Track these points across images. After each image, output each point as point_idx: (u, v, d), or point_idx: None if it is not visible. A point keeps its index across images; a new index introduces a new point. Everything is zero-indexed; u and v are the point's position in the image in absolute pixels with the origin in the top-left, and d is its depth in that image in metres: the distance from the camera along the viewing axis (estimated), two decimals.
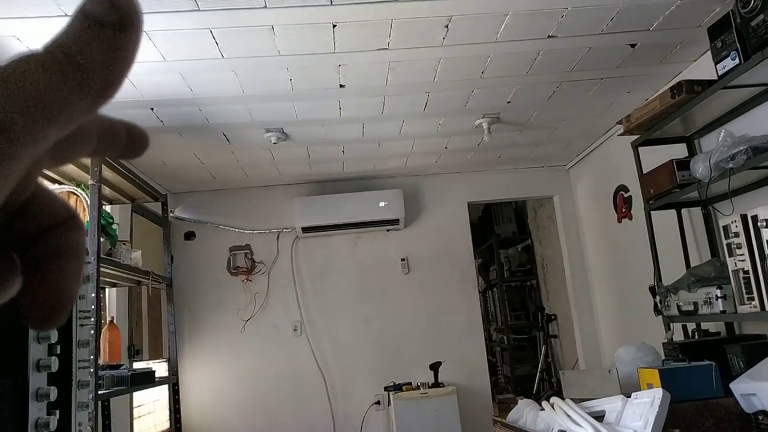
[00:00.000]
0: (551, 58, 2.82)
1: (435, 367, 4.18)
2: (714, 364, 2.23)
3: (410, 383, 4.17)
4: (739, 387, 2.07)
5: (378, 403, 4.40)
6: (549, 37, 2.59)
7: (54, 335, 1.02)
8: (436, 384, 4.15)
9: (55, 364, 1.01)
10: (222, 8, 2.15)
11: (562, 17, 2.43)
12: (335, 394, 4.44)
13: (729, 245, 2.31)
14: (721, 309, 2.39)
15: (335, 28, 2.36)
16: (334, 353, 4.50)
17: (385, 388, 4.24)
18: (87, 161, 2.53)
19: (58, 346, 1.04)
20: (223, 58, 2.53)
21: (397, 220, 4.52)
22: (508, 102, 3.35)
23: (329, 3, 2.17)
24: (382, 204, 4.48)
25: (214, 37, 2.35)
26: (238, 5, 2.14)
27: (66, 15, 2.09)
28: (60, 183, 2.79)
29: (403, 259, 4.65)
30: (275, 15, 2.22)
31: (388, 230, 4.67)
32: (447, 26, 2.42)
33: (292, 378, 4.44)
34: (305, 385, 4.42)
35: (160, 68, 2.57)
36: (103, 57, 0.23)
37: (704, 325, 2.93)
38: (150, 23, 2.20)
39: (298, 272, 4.60)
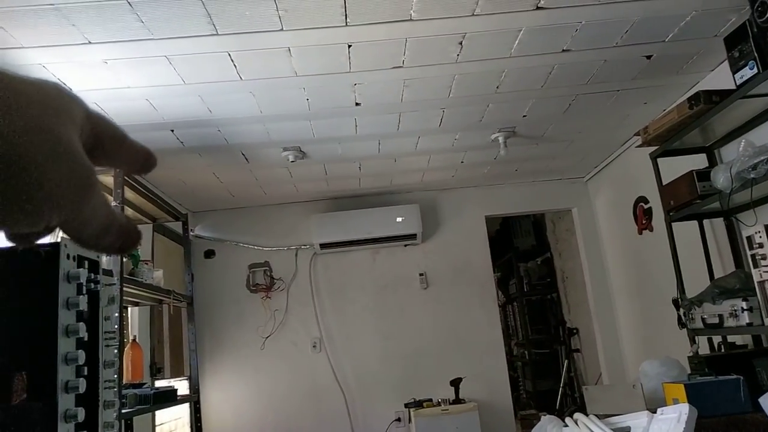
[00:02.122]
0: (566, 72, 2.82)
1: (456, 383, 4.14)
2: (741, 378, 2.18)
3: (431, 400, 4.14)
4: None
5: (399, 419, 4.37)
6: (563, 51, 2.60)
7: (81, 357, 1.04)
8: (457, 400, 4.11)
9: (83, 385, 1.03)
10: (240, 32, 2.20)
11: (576, 31, 2.44)
12: (356, 411, 4.42)
13: (753, 256, 2.27)
14: (748, 321, 2.35)
15: (350, 48, 2.39)
16: (354, 370, 4.49)
17: (406, 405, 4.21)
18: (110, 184, 2.59)
19: (85, 368, 1.07)
20: (241, 80, 2.58)
21: (415, 234, 4.52)
22: (524, 116, 3.35)
23: (344, 24, 2.21)
24: (399, 219, 4.49)
25: (232, 60, 2.40)
26: (256, 29, 2.19)
27: (90, 42, 2.16)
28: None
29: (421, 274, 4.65)
30: (291, 37, 2.27)
31: (405, 245, 4.67)
32: (461, 43, 2.44)
33: (313, 395, 4.43)
34: (325, 401, 4.42)
35: (180, 91, 2.63)
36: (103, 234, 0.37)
37: (731, 338, 2.87)
38: (170, 47, 2.26)
39: (316, 288, 4.61)
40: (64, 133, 0.32)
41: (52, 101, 0.32)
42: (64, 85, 0.36)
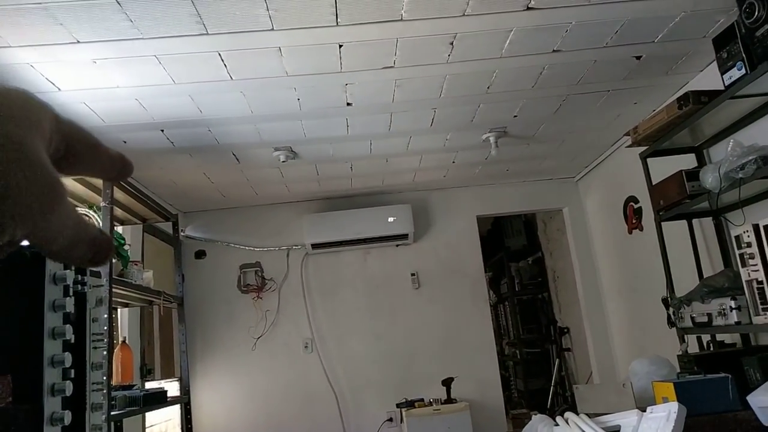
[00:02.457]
0: (557, 72, 2.83)
1: (447, 382, 4.15)
2: (730, 376, 2.20)
3: (423, 399, 4.14)
4: (756, 400, 2.04)
5: (390, 420, 4.37)
6: (554, 51, 2.61)
7: (68, 359, 1.03)
8: (449, 400, 4.12)
9: (69, 388, 1.02)
10: (230, 31, 2.19)
11: (567, 32, 2.44)
12: (347, 412, 4.41)
13: (742, 255, 2.29)
14: (736, 320, 2.37)
15: (341, 48, 2.39)
16: (346, 370, 4.49)
17: (398, 405, 4.21)
18: (99, 184, 2.57)
19: (72, 370, 1.06)
20: (231, 80, 2.57)
21: (407, 234, 4.53)
22: (515, 116, 3.36)
23: (335, 24, 2.21)
24: (391, 219, 4.49)
25: (222, 60, 2.39)
26: (246, 28, 2.18)
27: (78, 41, 2.14)
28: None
29: (413, 274, 4.65)
30: (282, 37, 2.26)
31: (397, 245, 4.67)
32: (452, 43, 2.44)
33: (304, 395, 4.42)
34: (317, 402, 4.41)
35: (170, 91, 2.61)
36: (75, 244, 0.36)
37: (719, 337, 2.89)
38: (160, 47, 2.24)
39: (308, 289, 4.60)
40: (29, 143, 0.31)
41: (18, 109, 0.31)
42: (32, 93, 0.34)
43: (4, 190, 0.29)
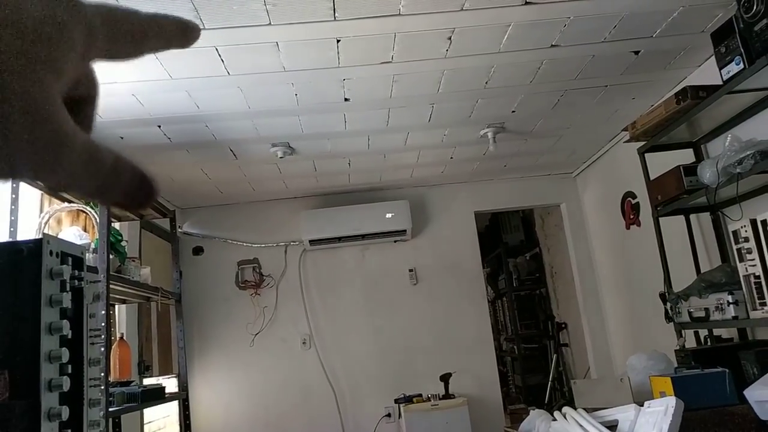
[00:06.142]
0: (555, 67, 2.82)
1: (445, 378, 4.15)
2: (727, 370, 2.20)
3: (421, 395, 4.15)
4: (753, 394, 2.05)
5: (389, 415, 4.37)
6: (552, 46, 2.60)
7: (65, 355, 1.03)
8: (447, 395, 4.12)
9: (66, 383, 1.02)
10: (227, 26, 2.17)
11: (565, 26, 2.44)
12: (345, 407, 4.42)
13: (739, 250, 2.30)
14: (733, 315, 2.37)
15: (339, 42, 2.38)
16: (344, 366, 4.49)
17: (396, 401, 4.21)
18: None
19: (69, 366, 1.05)
20: (228, 75, 2.56)
21: (404, 230, 4.52)
22: (513, 111, 3.35)
23: (333, 18, 2.20)
24: (388, 215, 4.49)
25: (219, 55, 2.38)
26: (243, 23, 2.16)
27: None
28: (70, 201, 2.81)
29: (410, 270, 4.65)
30: (280, 31, 2.25)
31: (395, 241, 4.67)
32: (450, 38, 2.44)
33: (302, 391, 4.43)
34: (315, 398, 4.41)
35: (167, 86, 2.60)
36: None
37: (716, 332, 2.90)
38: None
39: (306, 285, 4.60)
40: (35, 96, 0.27)
41: (19, 51, 0.26)
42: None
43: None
